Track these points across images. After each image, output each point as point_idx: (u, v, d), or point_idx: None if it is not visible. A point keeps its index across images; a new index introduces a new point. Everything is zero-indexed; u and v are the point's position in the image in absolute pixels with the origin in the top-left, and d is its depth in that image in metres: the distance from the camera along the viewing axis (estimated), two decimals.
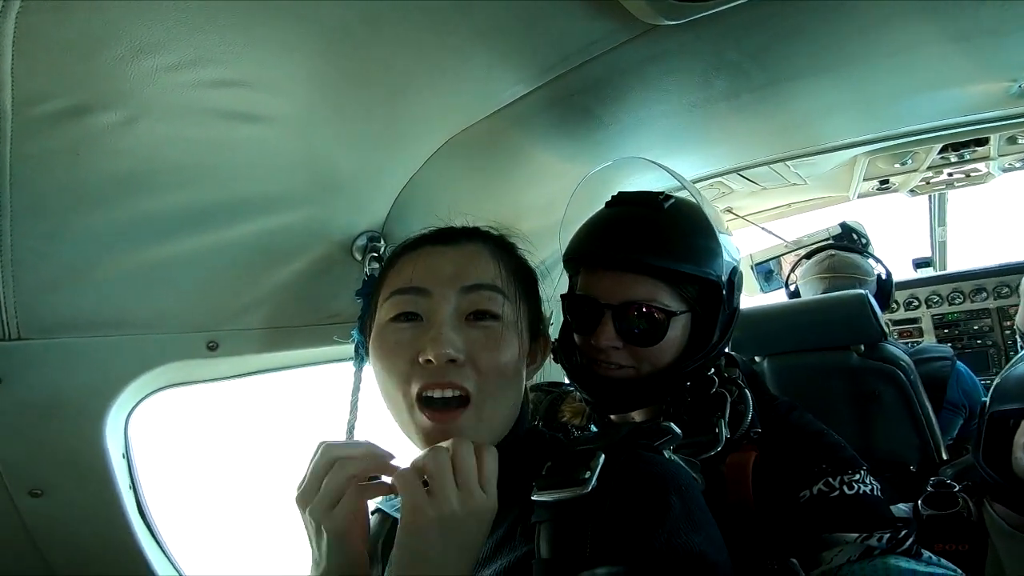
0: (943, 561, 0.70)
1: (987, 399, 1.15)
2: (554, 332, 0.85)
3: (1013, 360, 1.21)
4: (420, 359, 0.61)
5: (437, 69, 0.76)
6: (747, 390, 0.87)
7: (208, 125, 0.69)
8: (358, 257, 1.00)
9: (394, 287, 0.66)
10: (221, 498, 1.39)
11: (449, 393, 0.62)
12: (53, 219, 0.68)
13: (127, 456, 0.90)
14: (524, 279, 0.72)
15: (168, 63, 0.59)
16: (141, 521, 0.92)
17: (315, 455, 0.61)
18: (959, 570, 0.69)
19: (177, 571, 0.97)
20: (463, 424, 0.61)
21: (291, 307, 0.96)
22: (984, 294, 2.66)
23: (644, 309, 0.84)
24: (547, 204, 1.25)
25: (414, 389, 0.62)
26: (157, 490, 0.96)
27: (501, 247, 0.72)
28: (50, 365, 0.76)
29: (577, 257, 0.91)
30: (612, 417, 0.94)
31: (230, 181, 0.78)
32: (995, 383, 1.17)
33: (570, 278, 0.95)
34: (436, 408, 0.61)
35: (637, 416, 0.93)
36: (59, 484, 0.81)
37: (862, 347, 1.71)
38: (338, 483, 0.59)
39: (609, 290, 0.85)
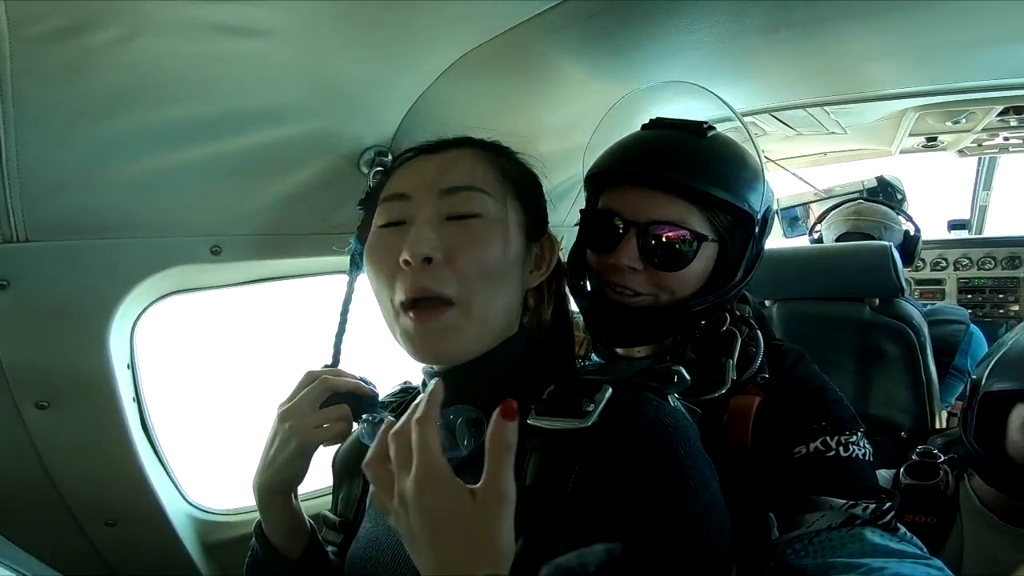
0: (914, 539, 0.69)
1: (981, 374, 1.10)
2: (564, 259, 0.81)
3: (1013, 331, 1.15)
4: (400, 261, 0.61)
5: None
6: (758, 331, 0.84)
7: (207, 40, 0.67)
8: (365, 171, 0.98)
9: (383, 196, 0.68)
10: (224, 411, 1.45)
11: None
12: (57, 129, 0.69)
13: (132, 367, 0.91)
14: (517, 180, 0.70)
15: None
16: (143, 434, 0.94)
17: (310, 383, 0.69)
18: (925, 548, 0.69)
19: (176, 488, 1.02)
20: (447, 321, 0.61)
21: (295, 216, 0.96)
22: (1017, 262, 2.57)
23: (672, 231, 0.77)
24: (565, 127, 1.20)
25: (398, 294, 0.62)
26: (162, 403, 0.98)
27: (490, 149, 0.71)
28: (57, 268, 0.77)
29: (604, 172, 0.84)
30: (618, 351, 0.90)
31: (234, 94, 0.76)
32: (995, 359, 1.11)
33: (589, 198, 0.88)
34: (420, 308, 0.61)
35: (642, 351, 0.88)
36: (64, 395, 0.82)
37: (876, 301, 1.66)
38: (333, 415, 0.68)
39: (636, 207, 0.79)
